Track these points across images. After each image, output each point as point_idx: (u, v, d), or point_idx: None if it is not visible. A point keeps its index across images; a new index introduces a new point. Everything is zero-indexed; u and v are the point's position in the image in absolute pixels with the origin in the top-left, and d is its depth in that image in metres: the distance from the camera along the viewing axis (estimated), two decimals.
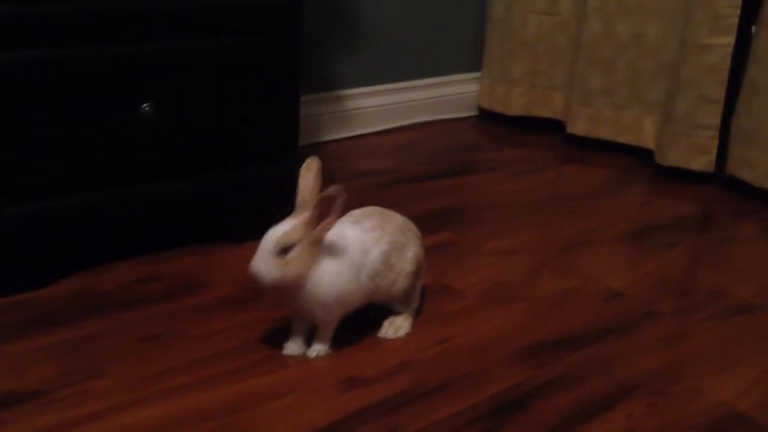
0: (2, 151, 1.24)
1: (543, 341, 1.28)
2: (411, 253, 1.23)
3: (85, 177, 1.33)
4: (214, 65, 1.41)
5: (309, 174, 1.16)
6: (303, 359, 1.18)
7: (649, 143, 2.15)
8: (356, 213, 1.23)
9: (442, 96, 2.42)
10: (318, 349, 1.19)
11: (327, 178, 1.92)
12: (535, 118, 2.37)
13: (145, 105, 1.33)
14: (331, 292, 1.13)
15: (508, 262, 1.56)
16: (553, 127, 2.34)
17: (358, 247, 1.16)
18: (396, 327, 1.26)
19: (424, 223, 1.68)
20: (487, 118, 2.46)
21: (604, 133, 2.22)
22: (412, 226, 1.27)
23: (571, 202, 1.89)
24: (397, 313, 1.27)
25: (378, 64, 2.23)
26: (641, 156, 2.16)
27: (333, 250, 1.14)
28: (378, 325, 1.27)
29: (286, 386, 1.12)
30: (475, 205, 1.85)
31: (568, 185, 2.03)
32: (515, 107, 2.37)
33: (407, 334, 1.26)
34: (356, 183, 1.89)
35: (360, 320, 1.25)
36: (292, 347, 1.19)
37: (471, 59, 2.47)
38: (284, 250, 1.08)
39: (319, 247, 1.12)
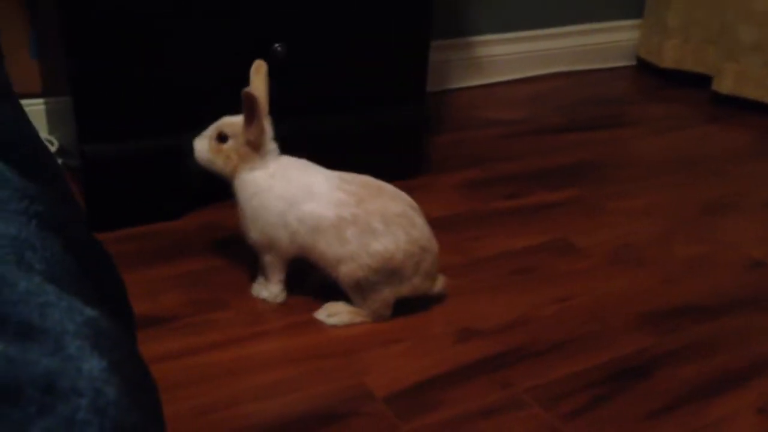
0: (146, 87, 1.29)
1: (671, 308, 1.22)
2: (379, 245, 1.07)
3: (218, 114, 1.36)
4: (345, 6, 1.40)
5: (259, 76, 1.11)
6: (419, 307, 1.17)
7: None
8: (354, 178, 1.12)
9: (591, 44, 2.30)
10: (257, 288, 1.17)
11: (455, 125, 1.90)
12: (688, 72, 2.21)
13: (277, 45, 1.34)
14: (250, 206, 1.11)
15: (638, 223, 1.48)
16: (705, 82, 2.18)
17: (303, 188, 1.09)
18: (332, 312, 1.14)
19: (552, 177, 1.64)
20: (642, 69, 2.32)
21: (752, 92, 2.04)
22: (405, 223, 1.09)
23: (712, 164, 1.77)
24: (347, 300, 1.14)
25: (517, 9, 2.15)
26: None
27: (276, 176, 1.11)
28: (493, 284, 1.24)
29: (400, 333, 1.13)
30: (609, 161, 1.77)
31: (711, 146, 1.89)
32: (667, 59, 2.22)
33: (342, 324, 1.13)
34: (484, 132, 1.85)
35: (473, 276, 1.23)
36: (255, 287, 1.19)
37: (631, 5, 2.33)
38: (220, 137, 1.12)
39: (260, 156, 1.11)
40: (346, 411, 0.98)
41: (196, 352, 1.07)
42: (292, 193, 1.10)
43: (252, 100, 1.07)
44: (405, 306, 1.16)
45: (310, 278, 1.18)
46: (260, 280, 1.19)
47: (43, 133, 1.56)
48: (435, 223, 1.37)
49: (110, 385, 0.29)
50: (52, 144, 1.54)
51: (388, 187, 1.13)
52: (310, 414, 0.97)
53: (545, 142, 1.82)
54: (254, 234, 1.13)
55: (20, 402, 0.26)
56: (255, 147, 1.11)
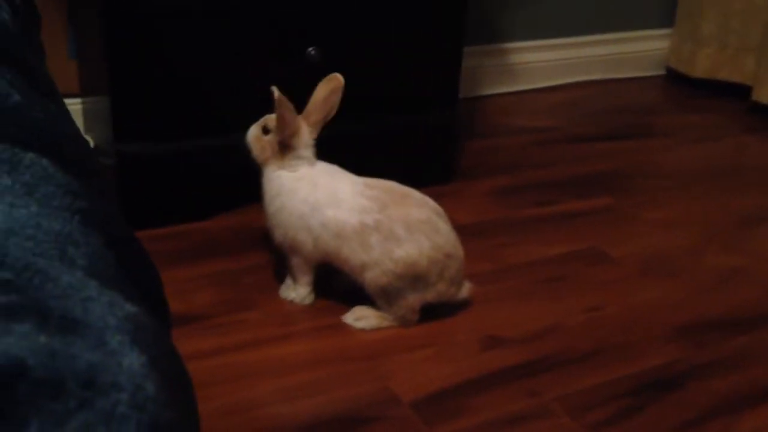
0: (182, 88, 1.31)
1: (704, 320, 1.20)
2: (402, 252, 1.07)
3: (250, 116, 1.38)
4: (379, 11, 1.40)
5: (323, 86, 1.14)
6: (447, 313, 1.17)
7: None
8: (379, 184, 1.12)
9: (623, 53, 2.27)
10: (285, 289, 1.18)
11: (486, 132, 1.89)
12: (722, 82, 2.18)
13: (311, 49, 1.35)
14: (273, 206, 1.13)
15: (671, 233, 1.46)
16: (741, 93, 2.15)
17: (328, 193, 1.10)
18: (359, 316, 1.14)
19: (584, 185, 1.62)
20: (673, 79, 2.29)
21: None
22: (428, 230, 1.08)
23: (748, 175, 1.74)
24: (374, 304, 1.14)
25: (550, 17, 2.14)
26: None
27: (303, 179, 1.12)
28: (522, 292, 1.23)
29: (427, 338, 1.12)
30: (642, 170, 1.75)
31: (749, 156, 1.86)
32: (700, 69, 2.19)
33: (370, 328, 1.13)
34: (515, 139, 1.84)
35: (502, 283, 1.22)
36: (283, 288, 1.20)
37: (663, 14, 2.30)
38: (264, 128, 1.15)
39: (290, 158, 1.13)
40: (372, 415, 0.98)
41: (224, 351, 1.07)
42: (316, 198, 1.11)
43: (277, 103, 1.09)
44: (432, 312, 1.16)
45: (336, 282, 1.19)
46: (288, 281, 1.19)
47: None
48: (464, 230, 1.37)
49: (150, 380, 0.29)
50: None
51: (413, 194, 1.12)
52: (336, 417, 0.97)
53: (577, 150, 1.81)
54: (278, 235, 1.14)
55: (61, 395, 0.27)
56: (285, 148, 1.12)
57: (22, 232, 0.33)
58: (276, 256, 1.30)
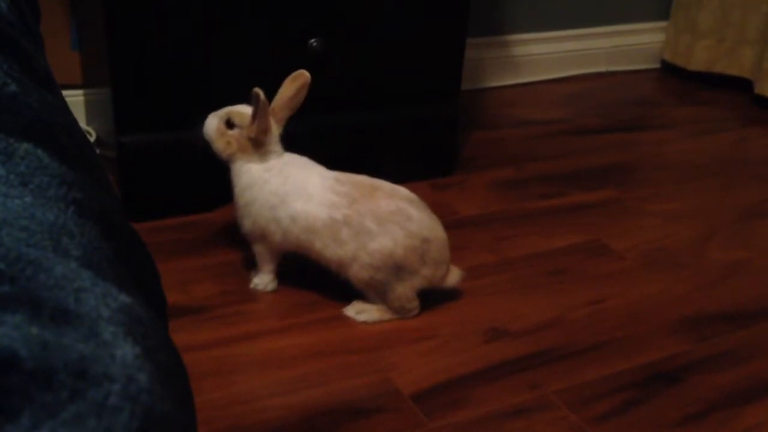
0: (183, 80, 1.30)
1: (707, 313, 1.20)
2: (377, 244, 1.07)
3: None
4: (381, 2, 1.40)
5: (289, 83, 1.12)
6: (449, 306, 1.17)
7: None
8: (349, 178, 1.11)
9: (622, 45, 2.27)
10: (256, 281, 1.19)
11: (489, 124, 1.89)
12: (719, 75, 2.17)
13: (313, 40, 1.35)
14: (243, 198, 1.13)
15: (675, 226, 1.46)
16: (741, 86, 2.14)
17: (298, 186, 1.10)
18: (360, 309, 1.14)
19: (588, 177, 1.62)
20: (670, 72, 2.28)
21: None
22: (399, 220, 1.08)
23: (753, 168, 1.73)
24: (369, 299, 1.14)
25: (552, 9, 2.13)
26: None
27: (273, 171, 1.12)
28: (525, 285, 1.23)
29: (430, 330, 1.12)
30: (645, 163, 1.74)
31: (752, 149, 1.85)
32: (696, 62, 2.18)
33: (372, 321, 1.13)
34: (518, 131, 1.84)
35: (505, 276, 1.22)
36: (256, 281, 1.20)
37: (659, 6, 2.29)
38: (228, 122, 1.13)
39: (259, 153, 1.12)
40: (373, 407, 0.98)
41: (226, 343, 1.07)
42: (286, 190, 1.11)
43: (257, 100, 1.08)
44: (434, 304, 1.16)
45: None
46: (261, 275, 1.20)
47: (81, 124, 1.58)
48: (467, 222, 1.37)
49: (143, 372, 0.29)
50: (90, 134, 1.57)
51: (383, 186, 1.12)
52: (337, 409, 0.97)
53: (580, 142, 1.80)
54: (247, 224, 1.15)
55: (52, 386, 0.27)
56: (256, 144, 1.13)
57: (15, 223, 0.33)
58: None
